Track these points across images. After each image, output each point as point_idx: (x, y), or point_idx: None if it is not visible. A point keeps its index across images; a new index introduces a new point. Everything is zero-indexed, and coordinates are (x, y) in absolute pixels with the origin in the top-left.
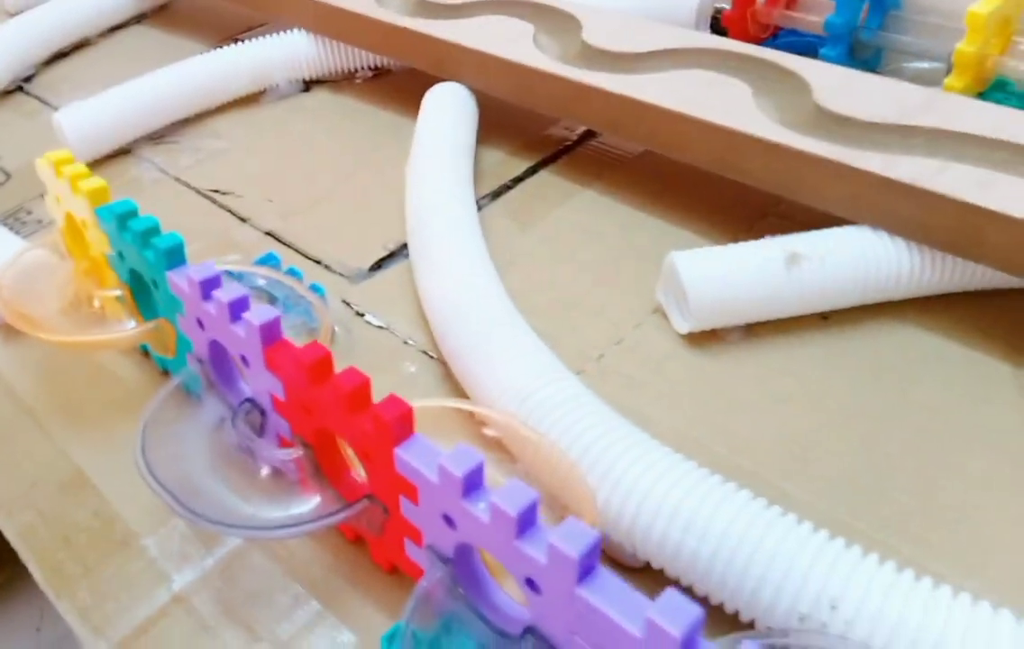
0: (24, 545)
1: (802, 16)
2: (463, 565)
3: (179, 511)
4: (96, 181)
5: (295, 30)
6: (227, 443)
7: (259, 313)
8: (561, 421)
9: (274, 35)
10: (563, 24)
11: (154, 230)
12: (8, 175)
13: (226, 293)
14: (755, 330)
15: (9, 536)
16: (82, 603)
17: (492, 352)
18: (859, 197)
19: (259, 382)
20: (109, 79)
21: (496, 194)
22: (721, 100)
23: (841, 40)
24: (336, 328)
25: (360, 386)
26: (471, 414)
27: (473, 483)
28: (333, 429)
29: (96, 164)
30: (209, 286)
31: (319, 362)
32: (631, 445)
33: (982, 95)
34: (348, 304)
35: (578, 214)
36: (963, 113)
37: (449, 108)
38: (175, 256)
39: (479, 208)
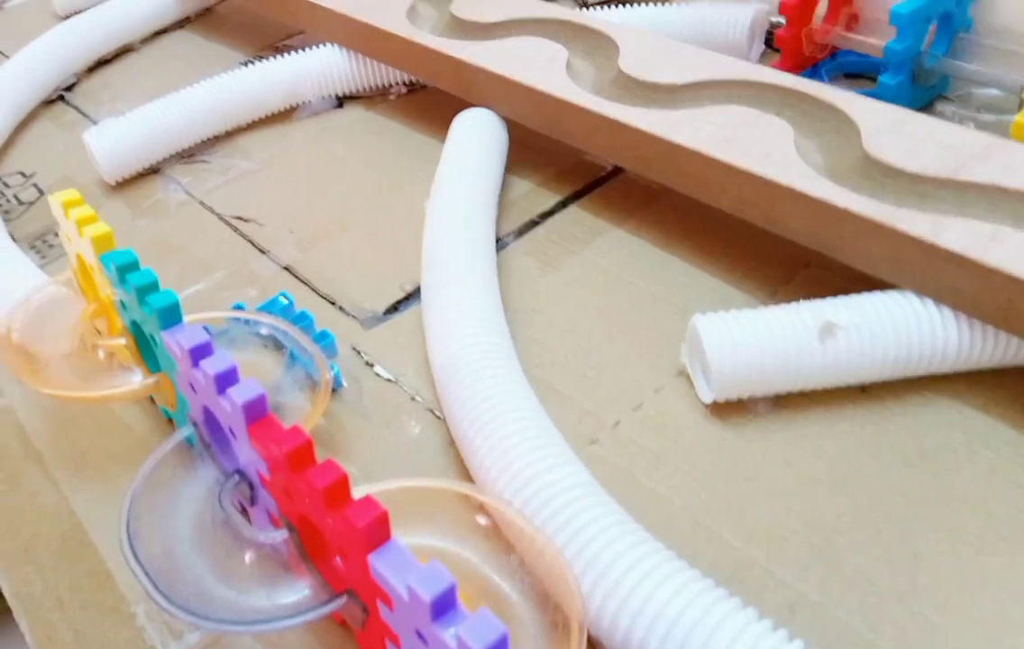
0: (20, 606)
1: (862, 39)
2: None
3: (154, 596)
4: (101, 228)
5: (328, 45)
6: (214, 515)
7: (244, 389)
8: (558, 515)
9: (306, 51)
10: (600, 47)
11: (152, 286)
12: (41, 192)
13: (213, 364)
14: (785, 401)
15: (6, 593)
16: None
17: (490, 428)
18: (904, 261)
19: (246, 456)
20: (149, 87)
21: (521, 231)
22: (759, 143)
23: (903, 68)
24: (344, 380)
25: (336, 483)
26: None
27: (443, 606)
28: (312, 519)
29: (125, 184)
30: (198, 354)
31: (298, 450)
32: (628, 548)
33: None
34: (358, 352)
35: (607, 257)
36: (1021, 164)
37: (475, 137)
38: (170, 316)
39: (503, 246)
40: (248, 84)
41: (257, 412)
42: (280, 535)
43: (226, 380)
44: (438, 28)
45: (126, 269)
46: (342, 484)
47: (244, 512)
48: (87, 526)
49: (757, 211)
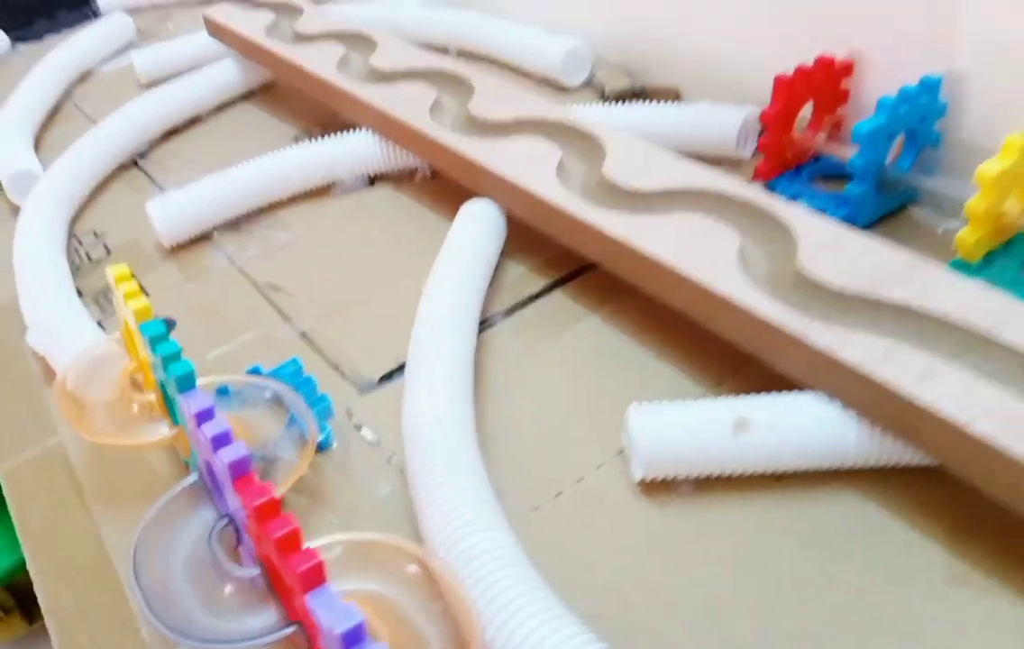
0: (50, 614)
1: (835, 150)
2: None
3: (147, 616)
4: (142, 301)
5: (362, 130)
6: (204, 552)
7: (232, 451)
8: (476, 572)
9: (342, 135)
10: (591, 150)
11: (175, 356)
12: (109, 251)
13: (212, 427)
14: (707, 484)
15: (41, 603)
16: None
17: (435, 491)
18: (815, 369)
19: (233, 504)
20: (212, 155)
21: (509, 311)
22: (707, 252)
23: (866, 179)
24: (334, 440)
25: (288, 534)
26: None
27: (353, 639)
28: (272, 561)
29: (179, 248)
30: (202, 417)
31: (264, 505)
32: (526, 604)
33: (1005, 246)
34: (350, 415)
35: (581, 341)
36: (938, 288)
37: (474, 226)
38: (186, 382)
39: (492, 324)
40: (290, 164)
41: (241, 470)
42: (253, 571)
43: (220, 441)
44: (457, 123)
45: (156, 339)
46: (294, 535)
47: (237, 548)
48: (111, 551)
49: (700, 313)
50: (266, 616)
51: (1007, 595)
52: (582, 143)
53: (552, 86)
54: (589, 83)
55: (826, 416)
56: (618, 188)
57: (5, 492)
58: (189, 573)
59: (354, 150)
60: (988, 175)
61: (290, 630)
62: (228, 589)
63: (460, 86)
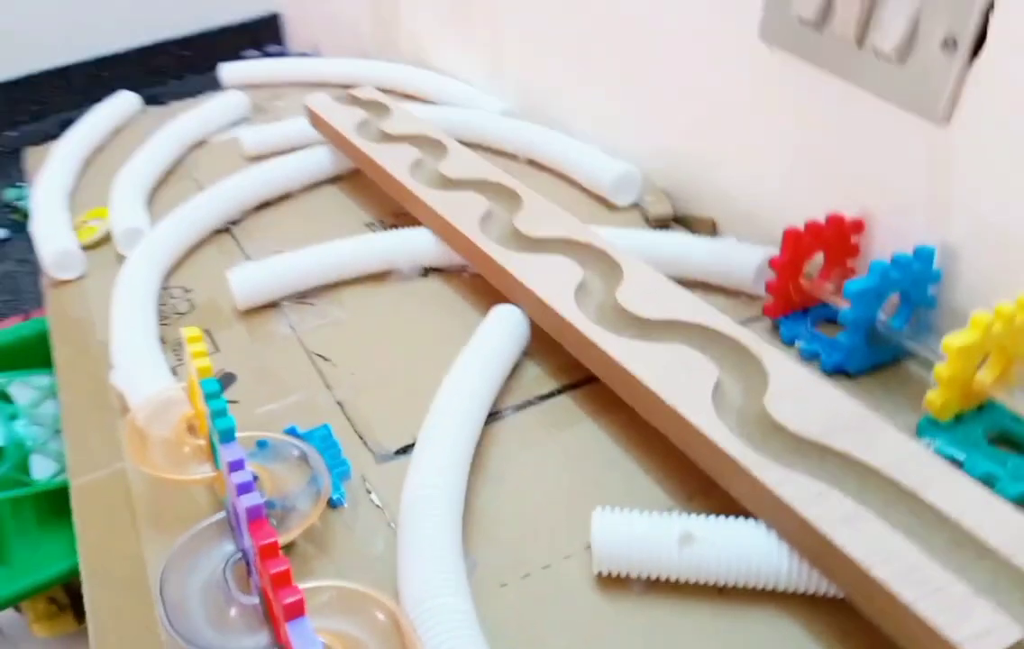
0: (92, 612)
1: (836, 301)
2: None
3: (162, 621)
4: (205, 361)
5: (421, 227)
6: (218, 578)
7: (250, 498)
8: (432, 630)
9: (402, 230)
10: (611, 274)
11: (222, 411)
12: (193, 306)
13: (239, 477)
14: (659, 587)
15: (86, 602)
16: None
17: (413, 554)
18: (759, 500)
19: (247, 543)
20: (294, 230)
21: (520, 407)
22: (686, 382)
23: (856, 332)
24: (346, 500)
25: (281, 573)
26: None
27: None
28: (268, 594)
29: (251, 312)
30: (233, 466)
31: (268, 546)
32: None
33: (977, 410)
34: (364, 480)
35: (576, 442)
36: (882, 443)
37: (500, 327)
38: (227, 435)
39: (501, 417)
40: (355, 249)
41: (255, 514)
42: (255, 600)
43: (243, 488)
44: (503, 235)
45: (211, 395)
46: (285, 574)
47: (248, 579)
48: (148, 567)
49: (675, 435)
50: (260, 639)
51: None
52: (605, 267)
53: (603, 203)
54: (636, 205)
55: (762, 542)
56: (627, 313)
57: (73, 504)
58: (205, 594)
59: (412, 244)
60: (953, 346)
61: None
62: (233, 612)
63: (512, 200)
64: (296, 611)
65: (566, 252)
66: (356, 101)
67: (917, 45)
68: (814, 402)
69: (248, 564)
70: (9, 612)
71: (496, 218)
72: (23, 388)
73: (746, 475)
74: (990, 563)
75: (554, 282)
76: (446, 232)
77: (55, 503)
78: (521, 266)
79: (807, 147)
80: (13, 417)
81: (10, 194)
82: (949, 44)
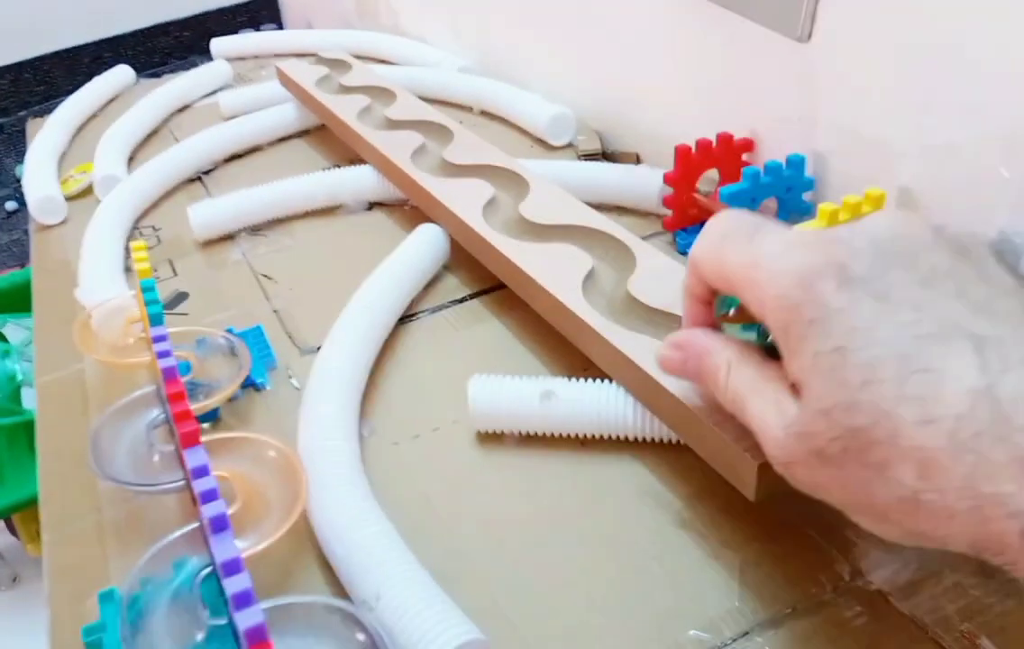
0: (44, 487)
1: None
2: None
3: (89, 464)
4: (146, 265)
5: (366, 165)
6: (144, 440)
7: (165, 361)
8: (322, 466)
9: (347, 168)
10: (519, 192)
11: (154, 301)
12: (159, 241)
13: (160, 346)
14: (529, 441)
15: (40, 473)
16: None
17: (310, 411)
18: (611, 361)
19: (168, 410)
20: (260, 178)
21: (435, 310)
22: (563, 271)
23: None
24: (270, 383)
25: (180, 412)
26: None
27: (199, 473)
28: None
29: (209, 243)
30: (157, 339)
31: (174, 393)
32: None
33: None
34: (288, 369)
35: (480, 336)
36: None
37: (417, 241)
38: (156, 319)
39: (415, 318)
40: (305, 187)
41: (170, 375)
42: (171, 447)
43: (162, 355)
44: (433, 166)
45: (146, 288)
46: (184, 413)
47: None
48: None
49: (551, 316)
50: (175, 476)
51: (715, 541)
52: (515, 187)
53: (543, 144)
54: (571, 144)
55: (612, 397)
56: (527, 221)
57: (36, 399)
58: (132, 446)
59: (356, 180)
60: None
61: (180, 482)
62: (156, 459)
63: (445, 136)
64: (192, 440)
65: (483, 176)
66: (321, 61)
67: None
68: (669, 281)
69: (169, 423)
70: (7, 537)
71: (428, 151)
72: (16, 329)
73: (598, 337)
74: None
75: (468, 200)
76: (384, 165)
77: None
78: (441, 189)
79: (705, 77)
80: (6, 354)
81: (20, 170)
82: None
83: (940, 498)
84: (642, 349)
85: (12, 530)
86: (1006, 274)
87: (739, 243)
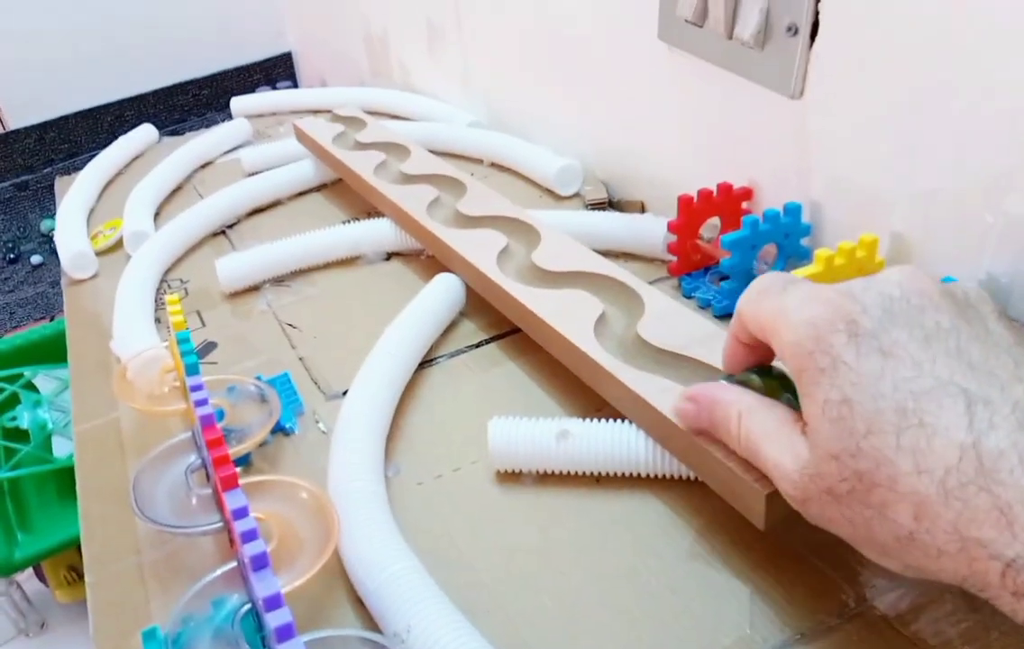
0: (85, 525)
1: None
2: None
3: (132, 507)
4: (180, 318)
5: (384, 217)
6: (182, 482)
7: (203, 410)
8: (350, 506)
9: (367, 220)
10: (531, 240)
11: (189, 351)
12: (187, 293)
13: (197, 395)
14: (546, 479)
15: (81, 514)
16: None
17: (338, 453)
18: (623, 399)
19: (206, 455)
20: (281, 231)
21: (453, 355)
22: (575, 315)
23: (737, 278)
24: (298, 427)
25: (220, 457)
26: None
27: (239, 514)
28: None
29: (235, 295)
30: (194, 388)
31: (213, 439)
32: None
33: None
34: (315, 414)
35: (497, 379)
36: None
37: (435, 290)
38: (192, 369)
39: (435, 363)
40: (327, 239)
41: (207, 422)
42: (208, 490)
43: (206, 421)
44: (448, 218)
45: (182, 340)
46: (223, 457)
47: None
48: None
49: (566, 358)
50: (213, 519)
51: (726, 571)
52: (527, 236)
53: (551, 194)
54: (578, 194)
55: (626, 435)
56: (539, 269)
57: (75, 446)
58: (171, 490)
59: (375, 231)
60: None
61: (217, 524)
62: (194, 502)
63: (458, 189)
64: (230, 483)
65: (496, 226)
66: (337, 118)
67: (770, 33)
68: (677, 324)
69: (206, 467)
70: (35, 583)
71: (443, 204)
72: (47, 380)
73: (612, 378)
74: None
75: (483, 249)
76: (401, 218)
77: (73, 479)
78: (457, 239)
79: (705, 131)
80: (38, 404)
81: (46, 224)
82: (792, 30)
83: (931, 539)
84: (653, 388)
85: (41, 577)
86: (1006, 330)
87: (772, 296)
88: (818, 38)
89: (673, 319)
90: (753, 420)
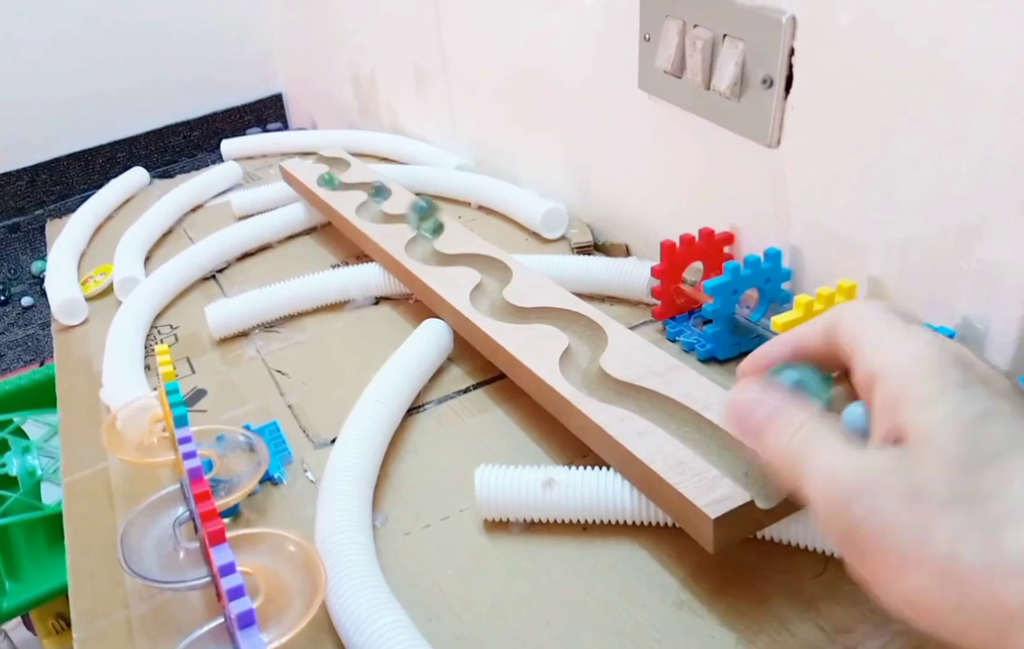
0: (73, 578)
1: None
2: None
3: (120, 561)
4: (170, 369)
5: (373, 263)
6: (170, 535)
7: (191, 463)
8: (337, 559)
9: (355, 266)
10: (503, 277)
11: (178, 403)
12: (177, 339)
13: (185, 447)
14: (534, 527)
15: (69, 566)
16: None
17: (326, 504)
18: (586, 431)
19: (194, 508)
20: (271, 275)
21: (440, 401)
22: (541, 349)
23: (719, 322)
24: (287, 477)
25: (207, 512)
26: None
27: (226, 570)
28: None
29: (224, 341)
30: (183, 441)
31: (201, 492)
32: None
33: None
34: (303, 463)
35: (483, 425)
36: (682, 380)
37: (421, 336)
38: (180, 420)
39: (423, 409)
40: (316, 284)
41: (196, 474)
42: (196, 544)
43: (195, 473)
44: (426, 256)
45: (171, 391)
46: (211, 512)
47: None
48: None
49: (534, 392)
50: (201, 572)
51: (712, 619)
52: (499, 272)
53: (537, 237)
54: (564, 237)
55: (609, 483)
56: (509, 305)
57: (63, 496)
58: (159, 543)
59: (362, 277)
60: (779, 322)
61: (205, 579)
62: (182, 556)
63: (438, 228)
64: (218, 538)
65: (470, 264)
66: (322, 159)
67: (746, 85)
68: (637, 357)
69: (194, 520)
70: (23, 631)
71: (420, 243)
72: (36, 425)
73: (574, 409)
74: (742, 455)
75: (457, 286)
76: (380, 255)
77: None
78: (432, 276)
79: (687, 178)
80: (27, 450)
81: (37, 266)
82: (767, 82)
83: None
84: (612, 418)
85: (29, 625)
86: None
87: (897, 320)
88: (792, 90)
89: (635, 352)
90: (816, 430)
